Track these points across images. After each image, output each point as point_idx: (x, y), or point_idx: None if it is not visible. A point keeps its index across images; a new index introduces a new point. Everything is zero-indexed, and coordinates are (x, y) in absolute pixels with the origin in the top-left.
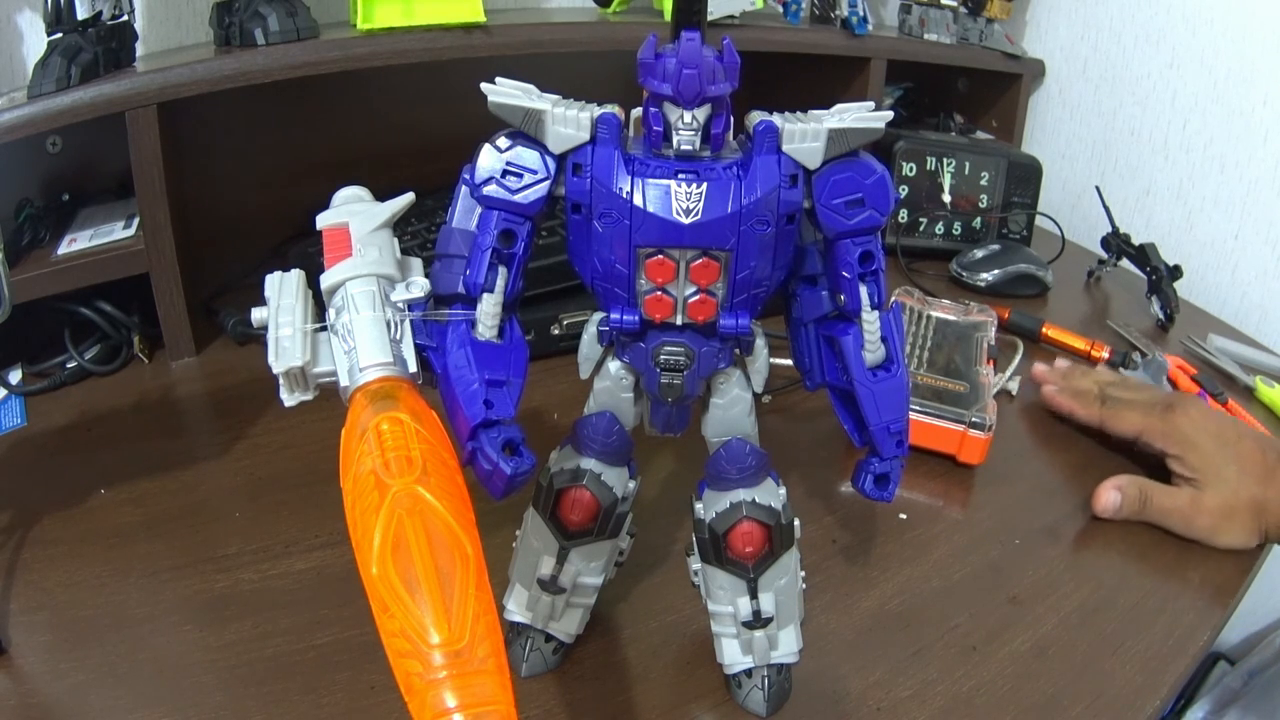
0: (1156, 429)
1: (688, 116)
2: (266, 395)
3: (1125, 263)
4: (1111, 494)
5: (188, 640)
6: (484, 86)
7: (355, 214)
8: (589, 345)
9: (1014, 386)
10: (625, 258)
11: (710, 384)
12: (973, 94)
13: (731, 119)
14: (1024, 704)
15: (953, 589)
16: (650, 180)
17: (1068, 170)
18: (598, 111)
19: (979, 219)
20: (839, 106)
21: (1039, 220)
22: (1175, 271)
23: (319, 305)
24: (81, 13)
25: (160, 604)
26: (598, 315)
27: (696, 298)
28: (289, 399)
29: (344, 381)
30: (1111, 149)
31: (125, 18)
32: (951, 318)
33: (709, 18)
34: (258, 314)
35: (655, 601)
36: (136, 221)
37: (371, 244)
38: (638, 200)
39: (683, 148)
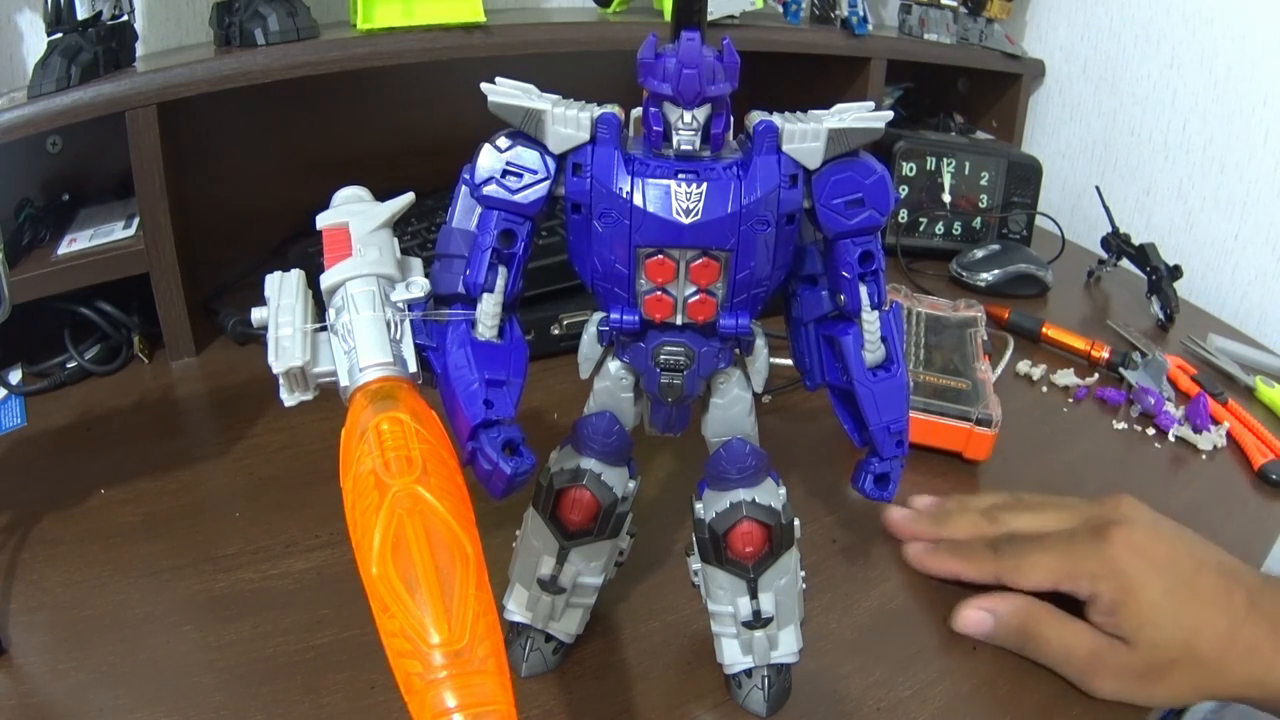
0: (1082, 571)
1: (688, 116)
2: (266, 395)
3: (1125, 263)
4: (977, 614)
5: (188, 640)
6: (484, 86)
7: (355, 214)
8: (589, 345)
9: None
10: (625, 258)
11: (710, 384)
12: (973, 94)
13: (731, 119)
14: (1024, 704)
15: (953, 589)
16: (650, 180)
17: (1068, 170)
18: (598, 111)
19: (979, 219)
20: (839, 106)
21: (1039, 220)
22: (1175, 271)
23: (319, 305)
24: (81, 13)
25: (160, 604)
26: (598, 315)
27: (696, 298)
28: (289, 399)
29: (344, 381)
30: (1111, 149)
31: (125, 18)
32: (941, 313)
33: (709, 18)
34: (258, 314)
35: (655, 601)
36: (136, 221)
37: (371, 244)
38: (638, 200)
39: (683, 148)
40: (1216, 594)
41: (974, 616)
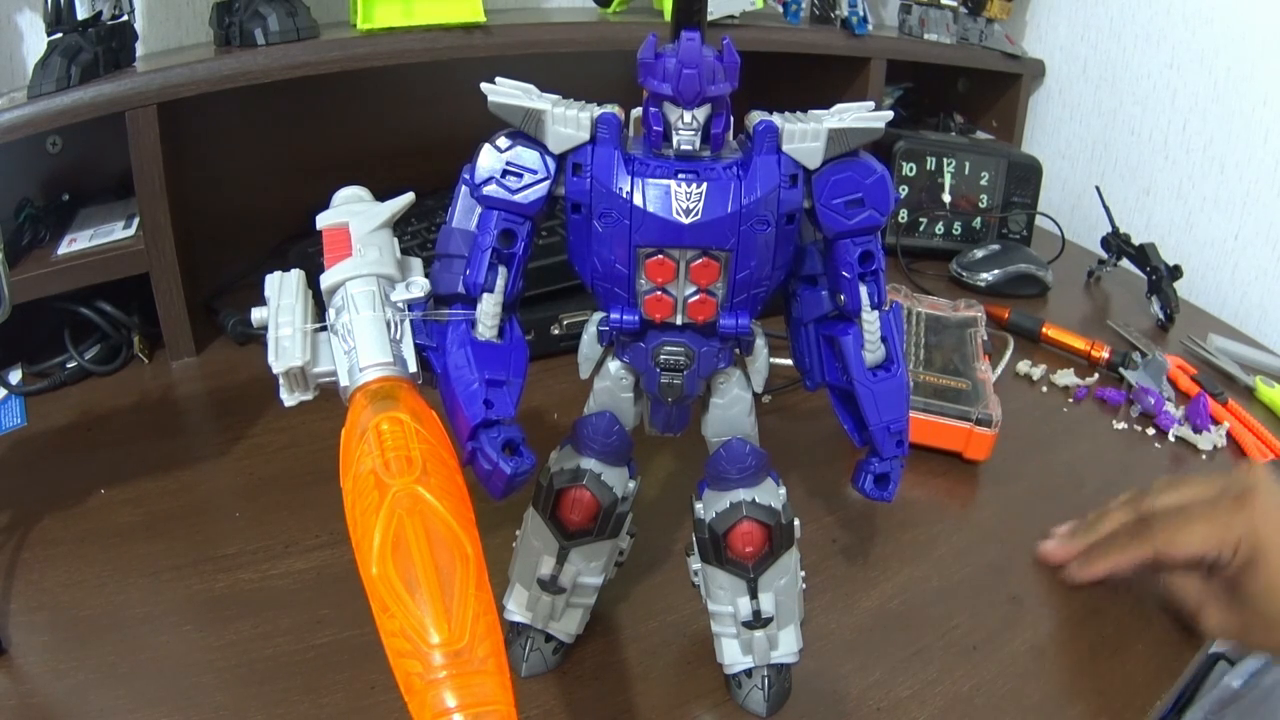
0: (1231, 537)
1: (688, 116)
2: (266, 395)
3: (1125, 263)
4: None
5: (188, 640)
6: (484, 86)
7: (355, 214)
8: (589, 345)
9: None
10: (625, 257)
11: (710, 384)
12: (973, 94)
13: (731, 119)
14: (1024, 704)
15: (953, 589)
16: (650, 180)
17: (1068, 170)
18: (598, 111)
19: (979, 219)
20: (839, 106)
21: (1039, 220)
22: (1175, 271)
23: (319, 305)
24: (81, 13)
25: (160, 604)
26: (598, 315)
27: (696, 298)
28: (289, 399)
29: (344, 381)
30: (1111, 149)
31: (125, 18)
32: (940, 313)
33: (709, 18)
34: (258, 314)
35: (655, 601)
36: (136, 221)
37: (371, 244)
38: (638, 200)
39: (683, 148)
40: None
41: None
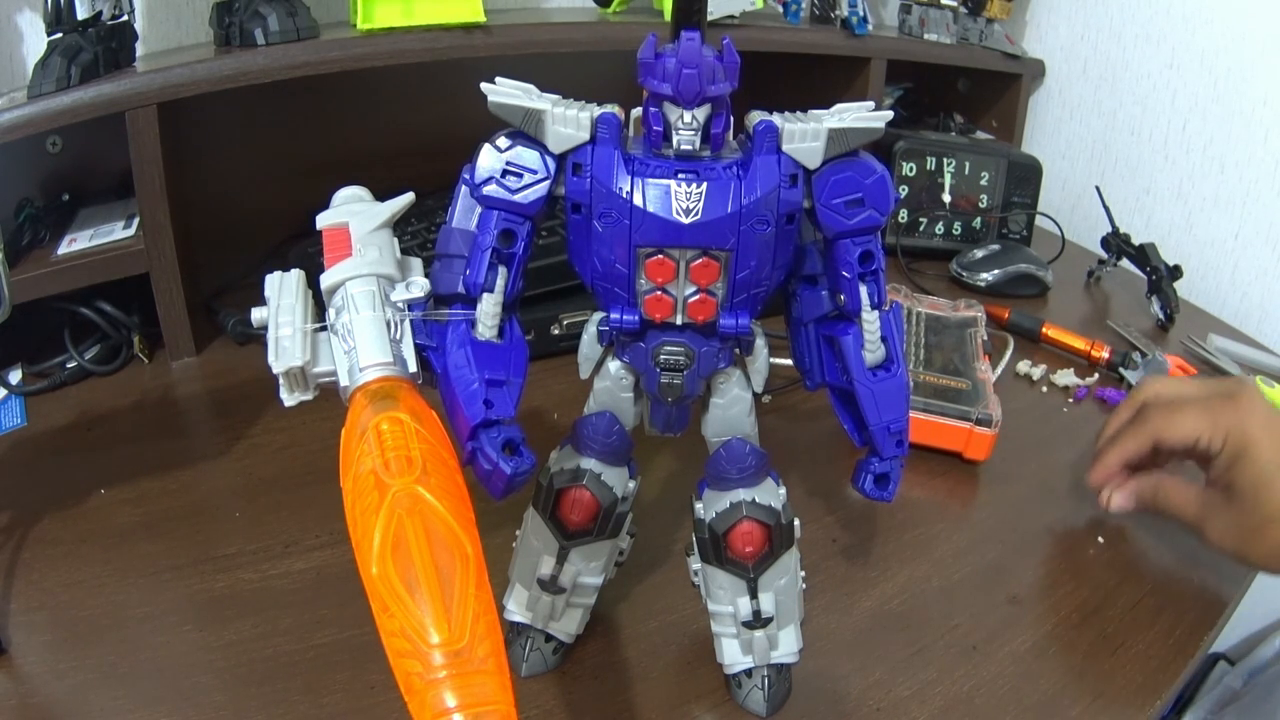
0: (1220, 425)
1: (687, 116)
2: (266, 395)
3: (1125, 263)
4: (1122, 494)
5: (188, 640)
6: (484, 86)
7: (355, 214)
8: (589, 345)
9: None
10: (625, 257)
11: (710, 384)
12: (973, 94)
13: (731, 119)
14: (1024, 704)
15: (953, 589)
16: (650, 180)
17: (1068, 170)
18: (598, 111)
19: (979, 219)
20: (839, 106)
21: (1039, 220)
22: (1175, 271)
23: (319, 305)
24: (81, 13)
25: (160, 604)
26: (598, 315)
27: (696, 297)
28: (289, 399)
29: (344, 381)
30: (1111, 149)
31: (125, 18)
32: (941, 313)
33: (709, 18)
34: (258, 314)
35: (655, 601)
36: (136, 221)
37: (371, 244)
38: (638, 200)
39: (683, 147)
40: None
41: (1120, 497)
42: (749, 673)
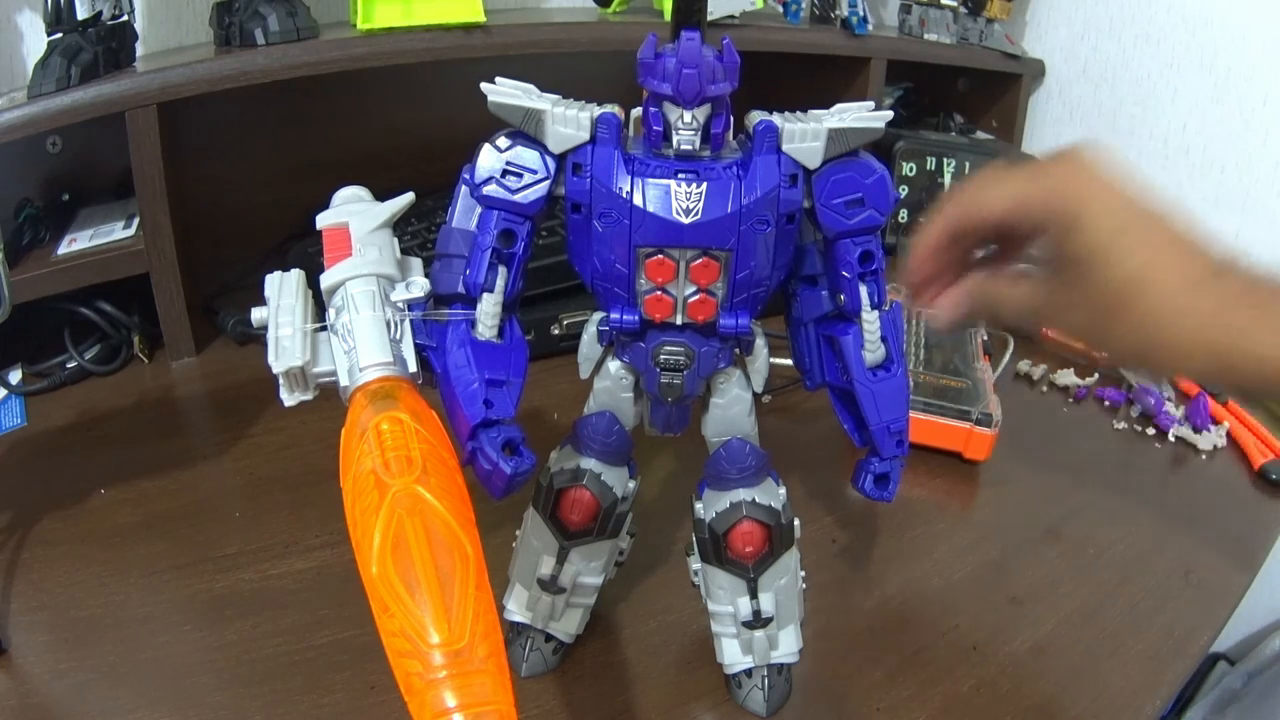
0: (1037, 189)
1: (687, 116)
2: (266, 395)
3: None
4: (946, 301)
5: (188, 640)
6: (484, 86)
7: (355, 214)
8: (589, 345)
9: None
10: (625, 257)
11: (710, 384)
12: (973, 94)
13: (731, 119)
14: (1024, 704)
15: (953, 589)
16: (650, 180)
17: None
18: (598, 111)
19: None
20: (839, 106)
21: None
22: None
23: (319, 305)
24: (81, 13)
25: (160, 604)
26: (598, 315)
27: (696, 297)
28: (289, 399)
29: (344, 381)
30: (1111, 149)
31: (125, 18)
32: None
33: (709, 18)
34: (258, 314)
35: (655, 601)
36: (136, 221)
37: (371, 244)
38: (637, 200)
39: (683, 147)
40: (1180, 244)
41: (944, 305)
42: (749, 673)
